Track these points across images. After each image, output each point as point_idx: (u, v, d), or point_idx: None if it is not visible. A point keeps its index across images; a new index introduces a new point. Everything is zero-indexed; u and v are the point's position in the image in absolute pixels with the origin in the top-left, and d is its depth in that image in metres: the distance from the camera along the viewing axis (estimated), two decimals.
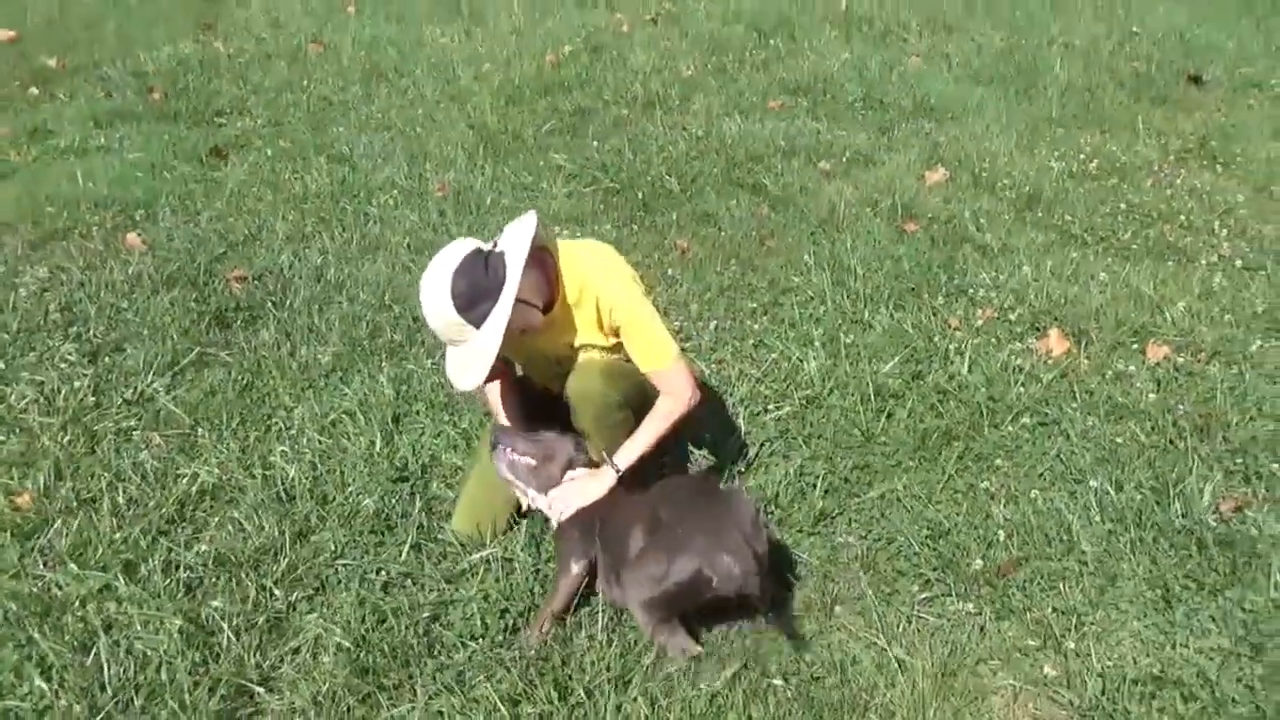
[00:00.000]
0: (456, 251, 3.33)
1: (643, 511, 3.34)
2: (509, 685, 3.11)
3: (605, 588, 3.39)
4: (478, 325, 3.29)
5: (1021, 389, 4.58)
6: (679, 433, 3.71)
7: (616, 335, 3.60)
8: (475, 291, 3.27)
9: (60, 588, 3.52)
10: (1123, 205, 6.57)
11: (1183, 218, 6.40)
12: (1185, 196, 6.73)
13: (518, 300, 3.34)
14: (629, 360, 3.65)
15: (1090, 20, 10.88)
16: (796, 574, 3.66)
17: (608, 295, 3.51)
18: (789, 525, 3.86)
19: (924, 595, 3.56)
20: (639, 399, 3.64)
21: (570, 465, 3.62)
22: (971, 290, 5.44)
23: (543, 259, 3.52)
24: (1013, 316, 5.17)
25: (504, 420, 3.86)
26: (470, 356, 3.34)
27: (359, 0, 12.03)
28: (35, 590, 3.52)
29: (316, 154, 7.41)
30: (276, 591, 3.51)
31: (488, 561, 3.63)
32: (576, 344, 3.64)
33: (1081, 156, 7.34)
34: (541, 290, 3.51)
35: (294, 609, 3.46)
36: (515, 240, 3.39)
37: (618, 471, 3.55)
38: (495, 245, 3.42)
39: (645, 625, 3.25)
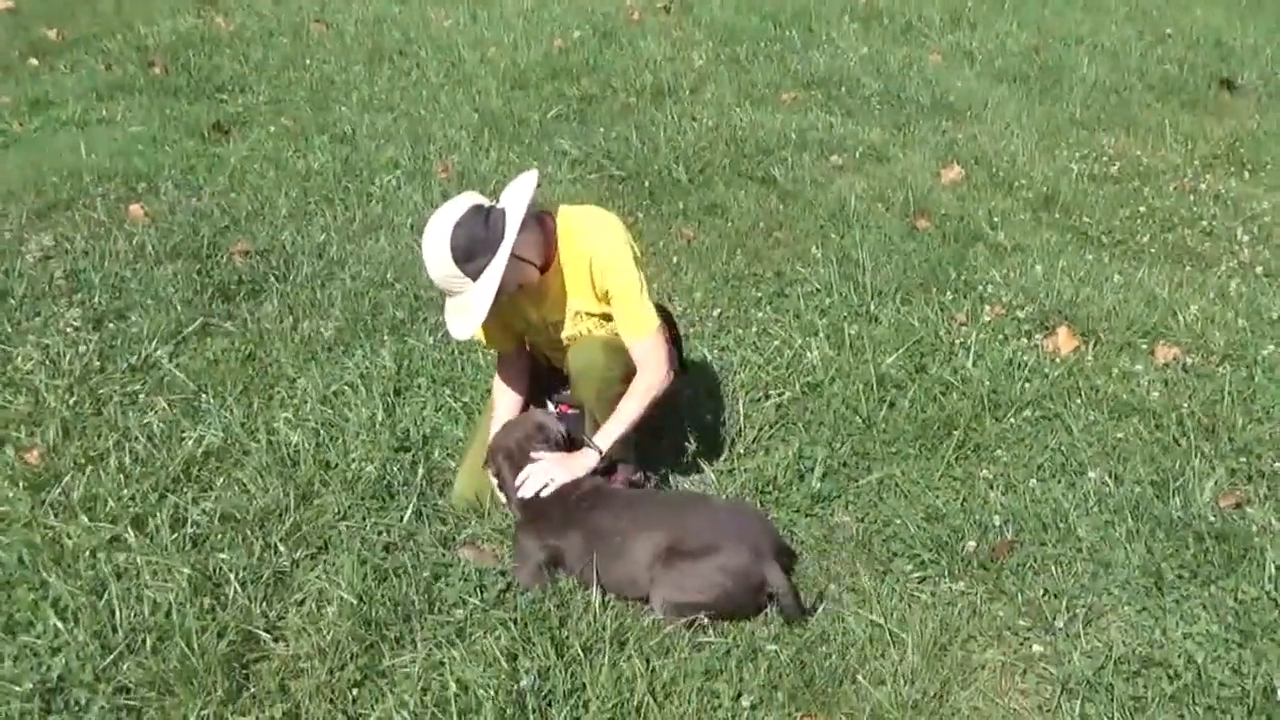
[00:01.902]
0: (458, 206, 3.63)
1: (655, 520, 3.65)
2: (507, 641, 3.39)
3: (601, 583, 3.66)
4: (474, 278, 3.59)
5: (1026, 384, 4.82)
6: (656, 412, 3.98)
7: (608, 301, 3.86)
8: (473, 246, 3.57)
9: (71, 538, 3.84)
10: (1143, 209, 6.81)
11: (1204, 223, 6.64)
12: (1209, 202, 6.96)
13: (514, 256, 3.64)
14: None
15: (1122, 21, 11.08)
16: (792, 552, 3.91)
17: (600, 257, 3.78)
18: (786, 505, 4.12)
19: (918, 575, 3.79)
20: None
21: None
22: (981, 287, 5.70)
23: (543, 220, 3.83)
24: (1021, 314, 5.42)
25: (496, 414, 4.16)
26: (465, 307, 3.64)
27: None
28: (47, 539, 3.84)
29: (318, 133, 7.74)
30: (281, 548, 3.81)
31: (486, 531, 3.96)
32: (571, 308, 3.90)
33: (1104, 159, 7.58)
34: (540, 249, 3.80)
35: (298, 565, 3.77)
36: (515, 197, 3.69)
37: (600, 453, 3.83)
38: (496, 202, 3.73)
39: (666, 617, 3.55)
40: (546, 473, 3.78)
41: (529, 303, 3.92)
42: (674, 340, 4.15)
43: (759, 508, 4.03)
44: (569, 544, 3.66)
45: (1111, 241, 6.41)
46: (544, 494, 3.76)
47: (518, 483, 3.78)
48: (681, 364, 4.28)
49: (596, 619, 3.47)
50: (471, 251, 3.56)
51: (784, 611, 3.53)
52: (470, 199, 3.68)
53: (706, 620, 3.50)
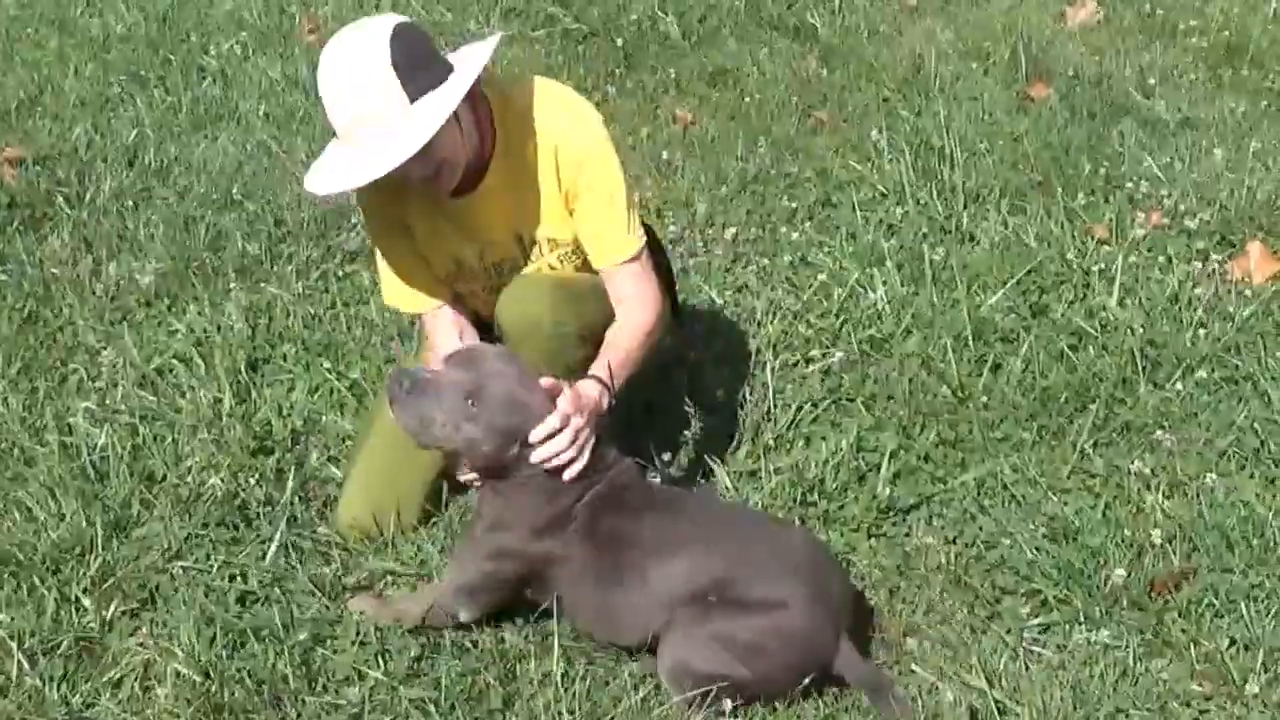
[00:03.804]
0: (386, 19, 3.61)
1: (693, 538, 3.66)
2: None
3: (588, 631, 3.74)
4: (413, 99, 3.56)
5: (1200, 330, 4.90)
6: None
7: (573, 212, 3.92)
8: (418, 60, 3.56)
9: None
10: None
11: None
12: None
13: (457, 114, 3.64)
14: (592, 271, 3.99)
15: None
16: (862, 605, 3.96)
17: (573, 143, 3.84)
18: (840, 522, 4.19)
19: (1039, 621, 3.84)
20: (606, 329, 3.94)
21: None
22: (1131, 185, 5.80)
23: (473, 96, 3.77)
24: (1192, 224, 5.50)
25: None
26: (386, 136, 3.55)
27: None
28: None
29: None
30: (86, 603, 3.85)
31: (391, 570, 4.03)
32: (523, 231, 3.96)
33: None
34: (471, 135, 3.80)
35: (111, 628, 3.81)
36: (466, 51, 3.76)
37: (610, 390, 3.77)
38: None
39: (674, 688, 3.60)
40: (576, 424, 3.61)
41: (454, 227, 3.96)
42: (665, 284, 4.21)
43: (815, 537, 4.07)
44: (570, 555, 3.66)
45: None
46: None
47: (545, 443, 3.58)
48: (675, 313, 4.35)
49: (557, 696, 3.52)
50: (415, 66, 3.55)
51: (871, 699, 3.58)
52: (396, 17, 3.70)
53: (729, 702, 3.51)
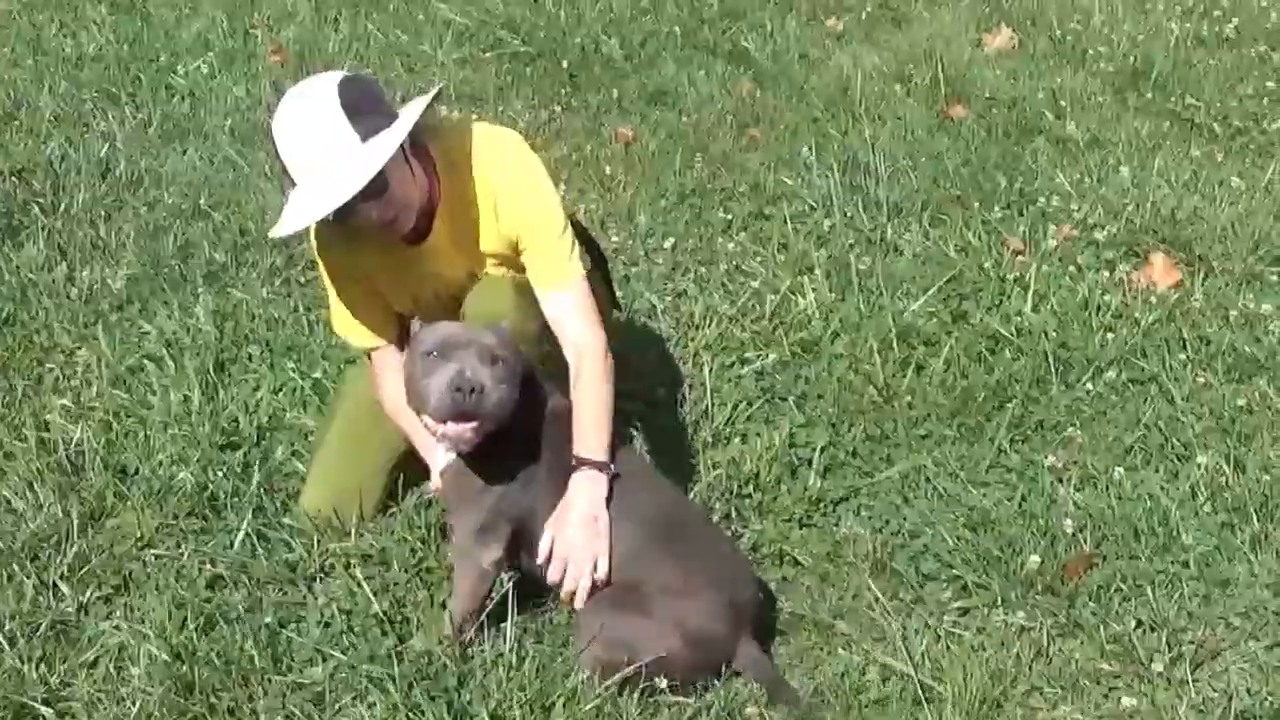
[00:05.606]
0: (331, 74, 3.66)
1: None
2: (385, 709, 3.45)
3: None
4: (364, 139, 3.55)
5: (1108, 334, 4.96)
6: None
7: (518, 250, 3.91)
8: (365, 103, 3.58)
9: None
10: (1271, 84, 6.96)
11: None
12: None
13: (408, 159, 3.68)
14: None
15: None
16: (784, 578, 4.03)
17: (509, 186, 3.83)
18: (774, 513, 4.22)
19: (959, 605, 3.89)
20: None
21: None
22: (1043, 200, 5.85)
23: (417, 149, 3.81)
24: (1101, 236, 5.56)
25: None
26: (345, 169, 3.53)
27: None
28: None
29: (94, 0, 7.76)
30: (63, 588, 3.86)
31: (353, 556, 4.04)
32: (475, 266, 3.96)
33: (1216, 14, 7.72)
34: (421, 185, 3.80)
35: (87, 611, 3.82)
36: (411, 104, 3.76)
37: (608, 470, 3.73)
38: None
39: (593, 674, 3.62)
40: (588, 549, 3.65)
41: (411, 273, 3.97)
42: (602, 278, 4.26)
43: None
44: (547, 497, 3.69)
45: (1227, 132, 6.56)
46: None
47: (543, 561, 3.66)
48: (614, 301, 4.41)
49: (508, 675, 3.52)
50: (363, 110, 3.57)
51: (769, 696, 3.59)
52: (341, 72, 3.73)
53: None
